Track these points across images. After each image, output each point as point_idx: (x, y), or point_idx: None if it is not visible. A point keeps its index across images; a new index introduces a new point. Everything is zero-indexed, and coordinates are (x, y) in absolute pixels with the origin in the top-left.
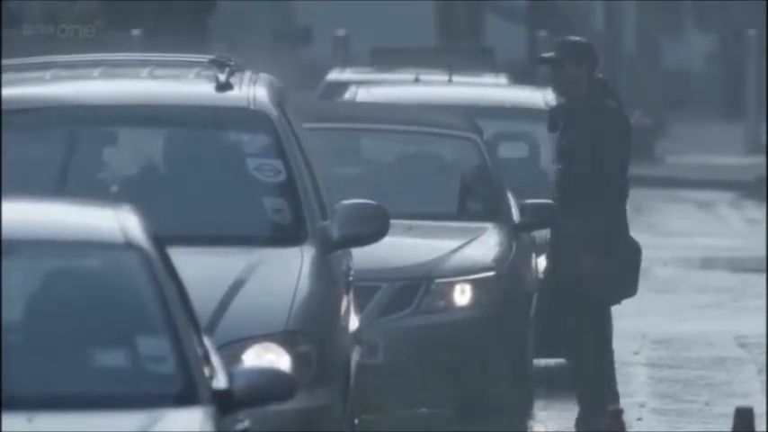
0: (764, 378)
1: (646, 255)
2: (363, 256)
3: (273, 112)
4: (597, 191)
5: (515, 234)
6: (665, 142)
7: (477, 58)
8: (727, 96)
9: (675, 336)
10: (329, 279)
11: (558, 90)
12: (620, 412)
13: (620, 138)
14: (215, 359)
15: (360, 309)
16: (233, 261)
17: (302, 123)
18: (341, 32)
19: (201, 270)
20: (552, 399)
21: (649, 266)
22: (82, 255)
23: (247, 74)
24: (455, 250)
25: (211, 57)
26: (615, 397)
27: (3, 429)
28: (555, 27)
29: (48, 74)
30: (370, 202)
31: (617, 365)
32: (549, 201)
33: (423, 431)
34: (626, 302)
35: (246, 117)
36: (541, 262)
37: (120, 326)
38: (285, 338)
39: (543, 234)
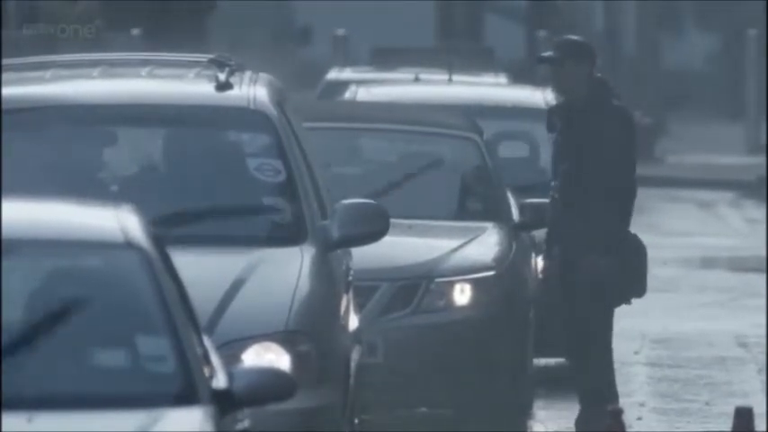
0: (764, 378)
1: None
2: (363, 256)
3: (273, 111)
4: (606, 191)
5: (515, 233)
6: (665, 142)
7: (477, 58)
8: (728, 96)
9: (675, 335)
10: (329, 279)
11: (558, 89)
12: (620, 412)
13: (627, 137)
14: (215, 359)
15: (360, 308)
16: (233, 261)
17: (302, 123)
18: (341, 32)
19: (201, 270)
20: (552, 398)
21: (649, 266)
22: (82, 254)
23: (247, 73)
24: (455, 250)
25: (211, 56)
26: (615, 397)
27: (3, 429)
28: (554, 27)
29: (47, 73)
30: (370, 201)
31: (617, 365)
32: (546, 200)
33: (423, 431)
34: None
35: (246, 117)
36: (540, 262)
37: (120, 325)
38: (285, 338)
39: (543, 233)
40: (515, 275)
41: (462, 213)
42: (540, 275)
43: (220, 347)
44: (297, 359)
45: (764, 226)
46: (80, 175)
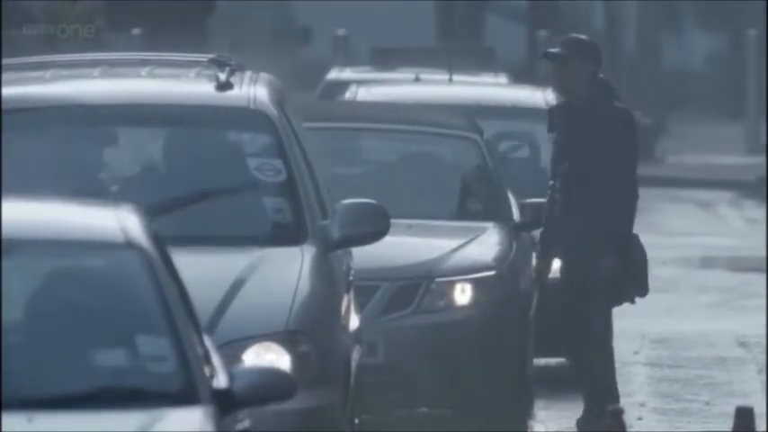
0: (765, 378)
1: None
2: (364, 256)
3: (274, 111)
4: (608, 192)
5: (516, 233)
6: (665, 142)
7: (478, 58)
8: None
9: (675, 335)
10: (329, 279)
11: (560, 87)
12: (620, 412)
13: (629, 139)
14: (215, 359)
15: (360, 308)
16: (233, 261)
17: (302, 123)
18: (341, 32)
19: (202, 270)
20: (552, 398)
21: (649, 266)
22: (82, 254)
23: (247, 73)
24: (455, 249)
25: (211, 56)
26: (615, 397)
27: (3, 429)
28: (555, 27)
29: (48, 73)
30: (371, 201)
31: (617, 365)
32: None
33: (423, 431)
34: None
35: (247, 117)
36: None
37: (120, 325)
38: (285, 338)
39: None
40: (516, 275)
41: (463, 213)
42: (534, 274)
43: (221, 347)
44: (297, 359)
45: (764, 226)
46: (80, 175)
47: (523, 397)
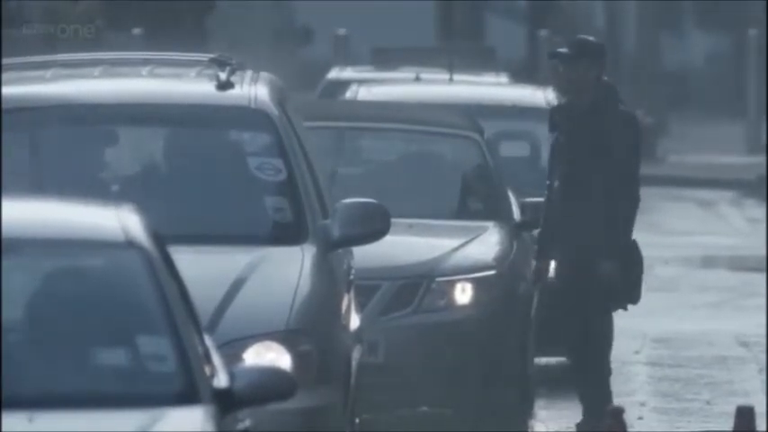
0: (765, 377)
1: (647, 253)
2: (364, 255)
3: (274, 111)
4: (609, 195)
5: (516, 233)
6: (666, 141)
7: (478, 58)
8: (729, 96)
9: (676, 335)
10: (330, 278)
11: (565, 88)
12: (620, 411)
13: (634, 142)
14: (216, 358)
15: (361, 307)
16: (234, 260)
17: (303, 122)
18: (341, 31)
19: (202, 269)
20: (553, 398)
21: (650, 265)
22: (83, 254)
23: (248, 73)
24: (456, 249)
25: (212, 56)
26: (610, 398)
27: (3, 428)
28: (555, 26)
29: (48, 73)
30: (371, 200)
31: (618, 365)
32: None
33: (423, 430)
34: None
35: (247, 116)
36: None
37: (120, 325)
38: (286, 337)
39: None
40: (516, 275)
41: (463, 213)
42: (533, 276)
43: (221, 347)
44: (298, 358)
45: (765, 225)
46: (81, 175)
47: (524, 396)
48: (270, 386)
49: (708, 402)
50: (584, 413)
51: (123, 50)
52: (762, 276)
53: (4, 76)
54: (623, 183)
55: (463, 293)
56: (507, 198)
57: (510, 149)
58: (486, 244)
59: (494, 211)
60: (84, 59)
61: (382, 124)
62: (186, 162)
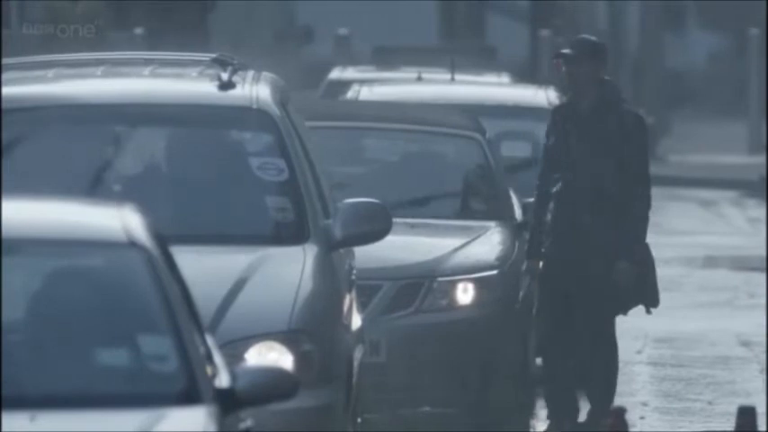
0: (767, 377)
1: None
2: (366, 255)
3: (276, 110)
4: (624, 194)
5: (518, 233)
6: (668, 141)
7: (480, 57)
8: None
9: (678, 334)
10: (332, 278)
11: (570, 88)
12: (622, 411)
13: (644, 140)
14: (218, 358)
15: (362, 307)
16: (236, 260)
17: (305, 122)
18: (343, 31)
19: (204, 269)
20: None
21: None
22: (85, 254)
23: (250, 73)
24: (458, 249)
25: (214, 55)
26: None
27: (5, 428)
28: (558, 26)
29: (50, 72)
30: (373, 200)
31: (620, 364)
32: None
33: (425, 430)
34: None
35: (249, 116)
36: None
37: (122, 325)
38: (288, 337)
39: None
40: (518, 274)
41: (465, 212)
42: (527, 274)
43: (223, 346)
44: (299, 358)
45: (765, 225)
46: (83, 175)
47: (526, 396)
48: (272, 386)
49: (710, 402)
50: (591, 413)
51: (125, 50)
52: (764, 276)
53: (7, 75)
54: (637, 183)
55: (465, 293)
56: (509, 198)
57: (512, 149)
58: (488, 244)
59: (495, 210)
60: (86, 59)
61: (384, 124)
62: (188, 162)
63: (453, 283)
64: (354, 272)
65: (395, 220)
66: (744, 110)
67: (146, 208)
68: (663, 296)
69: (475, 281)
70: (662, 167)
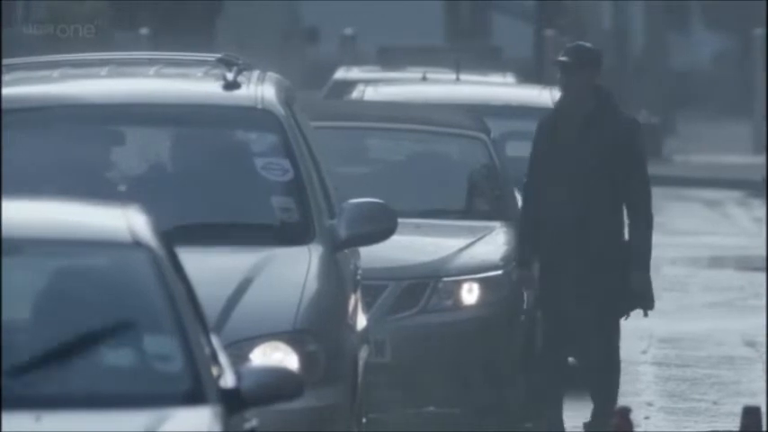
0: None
1: (654, 253)
2: (371, 255)
3: (281, 111)
4: (628, 202)
5: None
6: (672, 141)
7: (485, 57)
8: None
9: (683, 334)
10: (337, 278)
11: (564, 96)
12: (627, 411)
13: (643, 147)
14: (223, 358)
15: (367, 307)
16: (241, 260)
17: (310, 122)
18: (348, 31)
19: (209, 269)
20: None
21: (658, 265)
22: (90, 254)
23: (255, 73)
24: (463, 249)
25: (219, 56)
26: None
27: (11, 428)
28: (563, 26)
29: (55, 72)
30: (378, 200)
31: (625, 364)
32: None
33: (430, 430)
34: None
35: (254, 116)
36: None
37: (127, 325)
38: (293, 337)
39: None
40: None
41: (470, 213)
42: (520, 285)
43: (228, 347)
44: (305, 358)
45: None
46: (88, 175)
47: (531, 396)
48: (277, 386)
49: (715, 402)
50: (596, 413)
51: (130, 50)
52: None
53: (12, 75)
54: (641, 190)
55: (470, 293)
56: (514, 198)
57: (517, 149)
58: (493, 244)
59: (500, 211)
60: (92, 59)
61: (389, 124)
62: (193, 162)
63: (458, 284)
64: (359, 272)
65: (400, 220)
66: (748, 110)
67: (150, 208)
68: (668, 296)
69: (480, 281)
70: (666, 167)
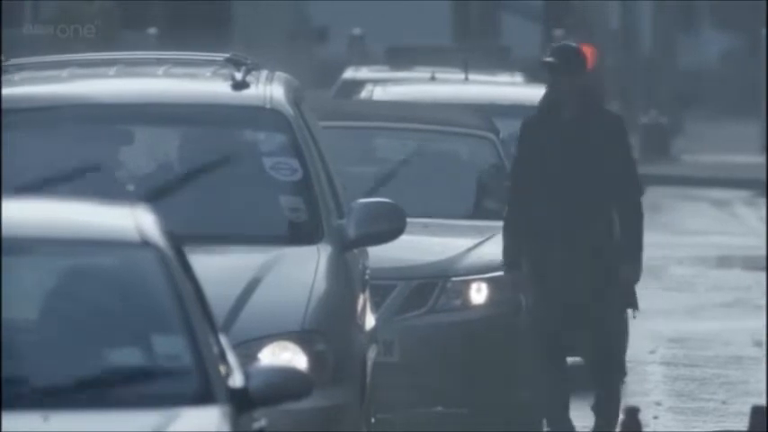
0: None
1: (661, 253)
2: (380, 255)
3: (290, 110)
4: (620, 200)
5: None
6: (680, 141)
7: (494, 57)
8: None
9: (691, 334)
10: (346, 278)
11: (549, 97)
12: (636, 411)
13: (628, 144)
14: (231, 358)
15: (376, 307)
16: (249, 259)
17: (318, 122)
18: (357, 31)
19: (218, 268)
20: None
21: (665, 265)
22: (98, 253)
23: (264, 72)
24: (471, 249)
25: (227, 55)
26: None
27: (19, 428)
28: (571, 26)
29: (64, 72)
30: (387, 200)
31: (633, 364)
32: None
33: (439, 430)
34: (642, 301)
35: (263, 116)
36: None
37: (136, 324)
38: (302, 337)
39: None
40: None
41: (478, 212)
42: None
43: (237, 346)
44: (313, 358)
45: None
46: (96, 174)
47: (539, 396)
48: (285, 386)
49: (723, 402)
50: (603, 413)
51: (138, 50)
52: None
53: (20, 75)
54: (630, 186)
55: (478, 293)
56: None
57: None
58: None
59: None
60: (100, 59)
61: (397, 124)
62: (201, 162)
63: (467, 283)
64: (368, 272)
65: (408, 219)
66: (756, 109)
67: (159, 208)
68: (676, 296)
69: (488, 281)
70: (674, 167)
